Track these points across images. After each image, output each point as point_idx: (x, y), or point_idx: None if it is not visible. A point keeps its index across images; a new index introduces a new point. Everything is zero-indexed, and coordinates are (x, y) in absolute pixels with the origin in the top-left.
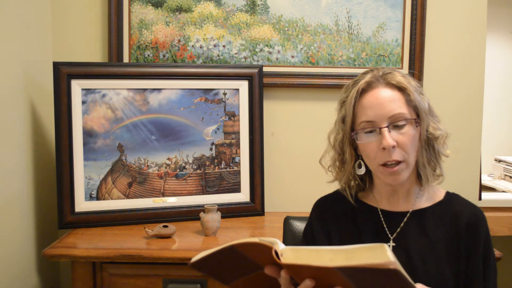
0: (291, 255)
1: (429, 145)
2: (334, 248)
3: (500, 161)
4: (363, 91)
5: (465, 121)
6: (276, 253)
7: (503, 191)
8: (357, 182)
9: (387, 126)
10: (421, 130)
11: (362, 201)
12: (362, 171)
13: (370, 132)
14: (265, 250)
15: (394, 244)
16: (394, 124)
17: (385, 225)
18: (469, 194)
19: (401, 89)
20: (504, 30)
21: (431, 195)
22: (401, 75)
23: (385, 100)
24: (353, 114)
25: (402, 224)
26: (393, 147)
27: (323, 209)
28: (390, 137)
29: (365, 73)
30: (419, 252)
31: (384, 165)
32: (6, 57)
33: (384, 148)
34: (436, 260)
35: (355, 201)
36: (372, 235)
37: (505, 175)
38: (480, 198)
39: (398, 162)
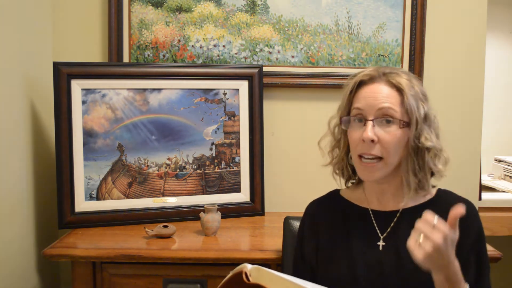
0: (256, 274)
1: (418, 155)
2: (292, 280)
3: (500, 161)
4: (362, 83)
5: (465, 121)
6: (247, 275)
7: (503, 191)
8: (349, 173)
9: (373, 120)
10: (409, 135)
11: (353, 203)
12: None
13: (359, 121)
14: (240, 279)
15: (384, 243)
16: (381, 119)
17: (375, 225)
18: (469, 194)
19: (398, 89)
20: (504, 30)
21: (422, 193)
22: (407, 78)
23: (380, 94)
24: (348, 102)
25: (392, 224)
26: (373, 141)
27: (315, 210)
28: (371, 131)
29: (369, 68)
30: (408, 251)
31: (361, 157)
32: (6, 57)
33: (363, 140)
34: None
35: (346, 204)
36: (362, 236)
37: (505, 175)
38: (480, 198)
39: (377, 159)
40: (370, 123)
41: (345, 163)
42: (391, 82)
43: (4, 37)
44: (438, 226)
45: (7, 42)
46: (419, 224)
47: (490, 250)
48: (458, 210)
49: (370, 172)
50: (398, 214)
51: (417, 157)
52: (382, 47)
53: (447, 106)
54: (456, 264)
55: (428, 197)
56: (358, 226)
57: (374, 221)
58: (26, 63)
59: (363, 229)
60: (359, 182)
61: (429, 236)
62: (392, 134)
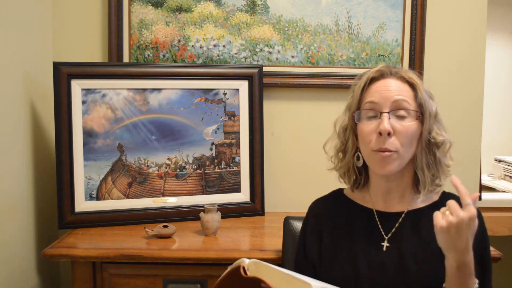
0: (253, 268)
1: (430, 150)
2: (288, 273)
3: (500, 161)
4: (374, 79)
5: (465, 121)
6: (244, 269)
7: (503, 191)
8: (354, 177)
9: (388, 112)
10: (423, 129)
11: (357, 203)
12: (360, 163)
13: (373, 116)
14: (238, 273)
15: (388, 244)
16: (396, 113)
17: (380, 226)
18: (469, 194)
19: (411, 84)
20: (504, 30)
21: (427, 196)
22: (416, 76)
23: (393, 88)
24: (360, 98)
25: (397, 225)
26: (389, 134)
27: (318, 210)
28: (388, 123)
29: (378, 65)
30: (412, 252)
31: (375, 151)
32: (7, 57)
33: (380, 134)
34: (429, 259)
35: (351, 204)
36: (366, 237)
37: (505, 175)
38: (480, 198)
39: (391, 151)
40: (386, 115)
41: (352, 166)
42: (403, 77)
43: (4, 37)
44: (467, 206)
45: (7, 42)
46: (451, 201)
47: (490, 250)
48: (475, 193)
49: (386, 163)
50: (403, 215)
51: (430, 152)
52: (382, 47)
53: (447, 106)
54: (471, 255)
55: (433, 199)
56: (362, 226)
57: (378, 222)
58: (26, 63)
59: (367, 230)
60: (364, 183)
61: (457, 211)
62: (407, 127)
